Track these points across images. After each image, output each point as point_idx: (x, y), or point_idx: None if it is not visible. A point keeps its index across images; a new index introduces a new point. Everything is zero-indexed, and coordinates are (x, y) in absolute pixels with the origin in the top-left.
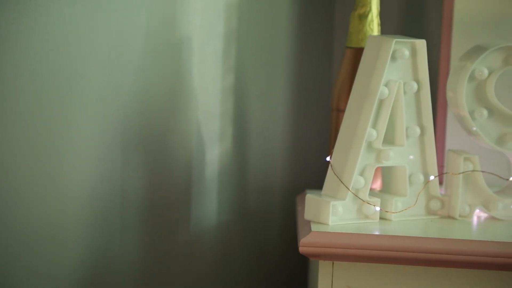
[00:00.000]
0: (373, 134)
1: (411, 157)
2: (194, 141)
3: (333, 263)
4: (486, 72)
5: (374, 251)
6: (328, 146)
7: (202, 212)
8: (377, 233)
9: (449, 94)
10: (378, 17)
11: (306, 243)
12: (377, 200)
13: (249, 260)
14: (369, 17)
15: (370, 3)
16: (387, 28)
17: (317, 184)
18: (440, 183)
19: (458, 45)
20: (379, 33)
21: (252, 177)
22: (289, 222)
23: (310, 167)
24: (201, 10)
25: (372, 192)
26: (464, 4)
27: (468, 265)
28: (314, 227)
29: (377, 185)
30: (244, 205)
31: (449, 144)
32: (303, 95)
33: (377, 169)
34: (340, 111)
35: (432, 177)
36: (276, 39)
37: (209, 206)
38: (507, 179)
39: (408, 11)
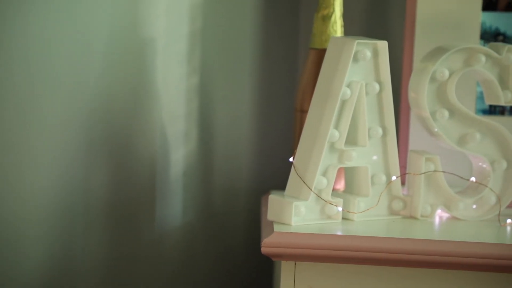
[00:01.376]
0: (336, 134)
1: (375, 157)
2: (158, 142)
3: (295, 263)
4: (447, 73)
5: (336, 251)
6: (293, 147)
7: (166, 212)
8: (339, 233)
9: (411, 95)
10: (342, 18)
11: (268, 244)
12: (339, 200)
13: (213, 261)
14: (333, 18)
15: (333, 4)
16: (351, 29)
17: (283, 184)
18: (403, 183)
19: (421, 46)
20: (343, 34)
21: (217, 177)
22: (254, 223)
23: (276, 168)
24: (164, 11)
25: (335, 192)
26: (426, 5)
27: (429, 265)
28: (276, 228)
29: (341, 185)
30: (209, 206)
31: (413, 144)
32: (268, 96)
33: (340, 169)
34: (304, 112)
35: (394, 178)
36: (241, 40)
37: (174, 206)
38: (468, 180)
39: (371, 13)
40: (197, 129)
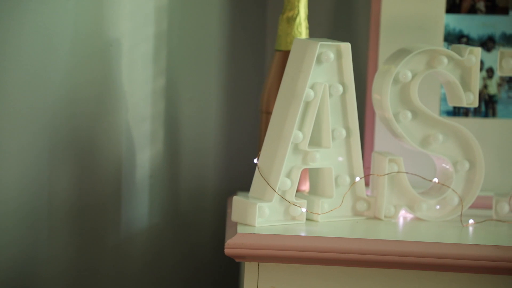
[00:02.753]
0: (299, 136)
1: (341, 158)
2: (124, 144)
3: (258, 264)
4: (409, 75)
5: (299, 252)
6: (259, 148)
7: (132, 214)
8: (303, 234)
9: (374, 96)
10: (306, 20)
11: (231, 245)
12: (303, 201)
13: (180, 263)
14: (297, 20)
15: (298, 6)
16: (316, 31)
17: (250, 186)
18: (367, 184)
19: (386, 48)
20: (308, 36)
21: (184, 179)
22: (221, 225)
23: (243, 169)
24: (129, 13)
25: (299, 193)
26: (391, 7)
27: (392, 265)
28: (240, 229)
29: (306, 187)
30: (176, 208)
31: (378, 146)
32: (235, 97)
33: (306, 170)
34: (269, 113)
35: (357, 179)
36: (207, 41)
37: (140, 208)
38: (431, 181)
39: (337, 15)
40: (164, 130)
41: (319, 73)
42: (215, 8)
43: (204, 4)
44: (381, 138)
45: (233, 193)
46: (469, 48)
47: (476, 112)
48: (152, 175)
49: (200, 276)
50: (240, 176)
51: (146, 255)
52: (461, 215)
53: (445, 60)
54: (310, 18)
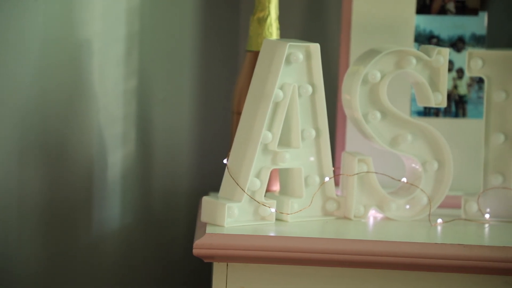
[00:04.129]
0: (269, 136)
1: (312, 158)
2: (95, 144)
3: (227, 264)
4: (378, 75)
5: (267, 252)
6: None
7: (104, 215)
8: (272, 234)
9: (344, 97)
10: (277, 21)
11: (199, 245)
12: (272, 201)
13: (152, 263)
14: (268, 21)
15: (268, 7)
16: (288, 32)
17: None
18: (338, 184)
19: (357, 48)
20: (279, 37)
21: (156, 180)
22: (193, 225)
23: (215, 170)
24: (101, 13)
25: (270, 193)
26: (362, 8)
27: (362, 265)
28: (209, 229)
29: (277, 187)
30: (148, 208)
31: (349, 146)
32: (208, 98)
33: (276, 171)
34: (240, 114)
35: (327, 179)
36: (180, 42)
37: (112, 209)
38: (399, 180)
39: (309, 15)
40: (135, 131)
41: (288, 74)
42: (187, 9)
43: (176, 5)
44: (352, 138)
45: (206, 193)
46: (437, 48)
47: (447, 112)
48: (124, 176)
49: (173, 276)
50: (212, 176)
51: (118, 255)
52: (429, 215)
53: (414, 61)
54: (282, 18)
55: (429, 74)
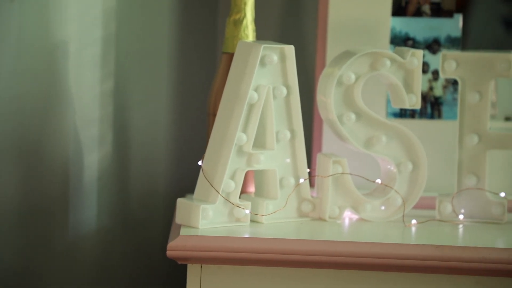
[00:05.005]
0: (243, 138)
1: (288, 160)
2: (71, 146)
3: (201, 266)
4: (353, 77)
5: (241, 254)
6: None
7: (80, 217)
8: (246, 235)
9: (319, 98)
10: (253, 23)
11: (173, 247)
12: (247, 203)
13: (129, 266)
14: (244, 23)
15: (244, 9)
16: (265, 34)
17: None
18: (313, 186)
19: (333, 50)
20: (255, 39)
21: (133, 181)
22: (170, 227)
23: (193, 171)
24: (77, 15)
25: (245, 195)
26: (338, 10)
27: (336, 265)
28: (183, 231)
29: (253, 188)
30: (125, 210)
31: (326, 147)
32: (185, 100)
33: (252, 172)
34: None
35: (302, 180)
36: (157, 44)
37: (88, 211)
38: (374, 181)
39: (285, 17)
40: (112, 133)
41: (263, 76)
42: (164, 10)
43: (153, 6)
44: (329, 139)
45: (183, 195)
46: (412, 50)
47: (422, 114)
48: (101, 177)
49: (150, 278)
50: (189, 177)
51: (94, 258)
52: (403, 216)
53: (388, 63)
54: (259, 20)
55: (403, 75)
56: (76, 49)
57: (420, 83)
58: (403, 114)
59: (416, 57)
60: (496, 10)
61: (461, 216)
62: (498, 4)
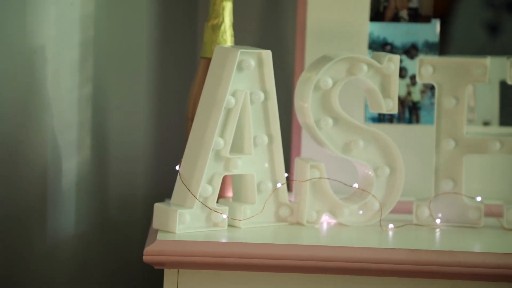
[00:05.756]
0: (221, 142)
1: (266, 165)
2: (49, 151)
3: (178, 271)
4: (330, 82)
5: (218, 258)
6: None
7: (58, 223)
8: (224, 240)
9: (297, 103)
10: (232, 27)
11: (150, 252)
12: (225, 208)
13: (108, 271)
14: (222, 28)
15: (223, 14)
16: (244, 39)
17: None
18: (291, 190)
19: (312, 54)
20: (233, 44)
21: (112, 186)
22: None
23: (172, 176)
24: (55, 19)
25: (222, 200)
26: (316, 15)
27: (314, 270)
28: (160, 236)
29: (231, 193)
30: (104, 215)
31: (305, 152)
32: (164, 104)
33: (231, 177)
34: None
35: (279, 185)
36: (136, 48)
37: (66, 216)
38: (351, 186)
39: (264, 22)
40: (91, 138)
41: (240, 80)
42: (143, 15)
43: (132, 11)
44: (308, 144)
45: (162, 199)
46: (388, 55)
47: (401, 119)
48: (79, 182)
49: (128, 283)
50: (168, 182)
51: (73, 264)
52: (380, 220)
53: (365, 68)
54: (238, 25)
55: (380, 80)
56: (54, 53)
57: (397, 88)
58: (381, 118)
59: (393, 62)
60: (479, 16)
61: (438, 221)
62: (481, 10)
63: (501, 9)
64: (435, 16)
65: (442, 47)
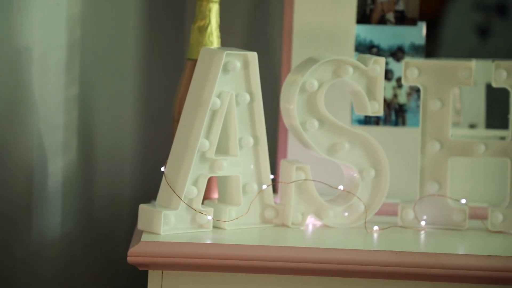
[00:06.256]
0: (206, 144)
1: (251, 166)
2: (35, 152)
3: (162, 272)
4: (316, 84)
5: (202, 260)
6: None
7: (44, 224)
8: (208, 241)
9: (282, 105)
10: (218, 29)
11: (134, 253)
12: (209, 209)
13: (94, 273)
14: (209, 29)
15: (209, 16)
16: (230, 40)
17: None
18: (277, 192)
19: (299, 56)
20: (220, 45)
21: (99, 188)
22: None
23: (158, 177)
24: (41, 20)
25: (208, 201)
26: (303, 17)
27: (299, 271)
28: (144, 237)
29: (217, 195)
30: (90, 216)
31: (291, 154)
32: (151, 105)
33: (216, 179)
34: None
35: (264, 186)
36: (122, 49)
37: (52, 217)
38: (336, 188)
39: (251, 24)
40: (77, 139)
41: (226, 82)
42: (130, 16)
43: (118, 12)
44: (294, 146)
45: (148, 201)
46: (374, 58)
47: (387, 121)
48: (65, 184)
49: (115, 284)
50: (155, 184)
51: (58, 265)
52: (365, 222)
53: (351, 70)
54: (224, 27)
55: (366, 83)
56: (41, 54)
57: (382, 90)
58: (367, 121)
59: (378, 64)
60: (469, 18)
61: (423, 223)
62: (471, 12)
63: (491, 11)
64: (424, 19)
65: (430, 50)
